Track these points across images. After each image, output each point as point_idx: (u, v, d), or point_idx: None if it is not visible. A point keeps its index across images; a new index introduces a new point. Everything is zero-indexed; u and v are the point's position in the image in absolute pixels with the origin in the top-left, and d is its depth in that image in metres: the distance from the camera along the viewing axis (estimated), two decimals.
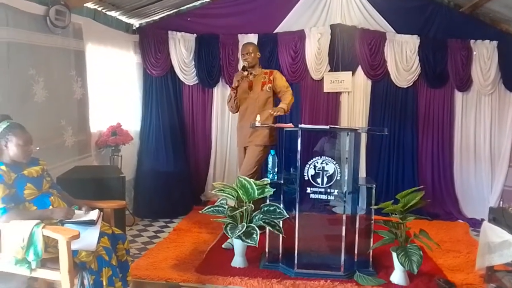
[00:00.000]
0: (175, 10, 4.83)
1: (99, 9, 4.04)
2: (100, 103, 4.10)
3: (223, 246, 3.51)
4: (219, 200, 3.22)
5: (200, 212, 3.23)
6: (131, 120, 4.65)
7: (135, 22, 4.76)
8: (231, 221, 3.04)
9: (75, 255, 2.20)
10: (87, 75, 3.81)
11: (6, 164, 2.30)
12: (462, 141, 4.76)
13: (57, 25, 3.26)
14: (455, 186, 4.78)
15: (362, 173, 4.42)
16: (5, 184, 2.23)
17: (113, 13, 4.28)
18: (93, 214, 2.42)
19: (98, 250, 2.28)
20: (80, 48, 3.70)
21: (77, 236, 2.13)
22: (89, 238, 2.25)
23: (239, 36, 4.77)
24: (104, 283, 2.26)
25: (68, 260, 2.12)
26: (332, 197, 3.00)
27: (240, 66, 4.32)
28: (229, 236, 3.02)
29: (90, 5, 3.82)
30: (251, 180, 3.09)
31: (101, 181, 3.24)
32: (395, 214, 2.97)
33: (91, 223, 2.33)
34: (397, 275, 2.94)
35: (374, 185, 3.07)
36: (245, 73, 3.73)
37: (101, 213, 2.52)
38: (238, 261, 3.14)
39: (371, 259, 3.10)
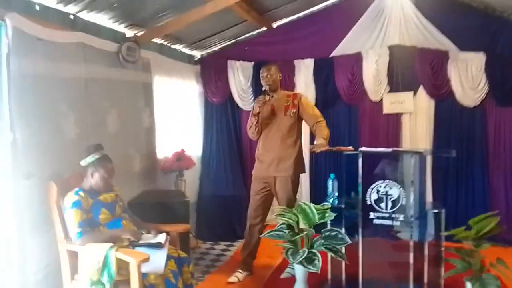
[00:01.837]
0: (233, 40, 5.04)
1: (165, 43, 4.34)
2: (165, 130, 4.33)
3: (281, 276, 3.40)
4: (278, 224, 3.22)
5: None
6: (193, 145, 4.85)
7: (197, 54, 5.03)
8: (291, 246, 3.02)
9: (145, 277, 2.30)
10: (154, 105, 4.06)
11: (84, 191, 2.49)
12: None
13: (128, 60, 3.53)
14: None
15: (429, 197, 4.21)
16: (82, 210, 2.41)
17: (177, 46, 4.57)
18: (161, 238, 2.53)
19: (165, 273, 2.36)
20: (148, 80, 3.96)
21: (147, 259, 2.23)
22: (158, 261, 2.35)
23: (295, 61, 4.84)
24: None
25: (139, 283, 2.21)
26: (397, 223, 2.89)
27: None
28: (289, 261, 2.99)
29: (157, 40, 4.11)
30: (311, 205, 3.06)
31: (167, 205, 3.39)
32: (467, 241, 2.79)
33: (159, 246, 2.43)
34: None
35: (443, 210, 2.92)
36: (267, 97, 3.40)
37: (168, 236, 2.63)
38: None
39: None
